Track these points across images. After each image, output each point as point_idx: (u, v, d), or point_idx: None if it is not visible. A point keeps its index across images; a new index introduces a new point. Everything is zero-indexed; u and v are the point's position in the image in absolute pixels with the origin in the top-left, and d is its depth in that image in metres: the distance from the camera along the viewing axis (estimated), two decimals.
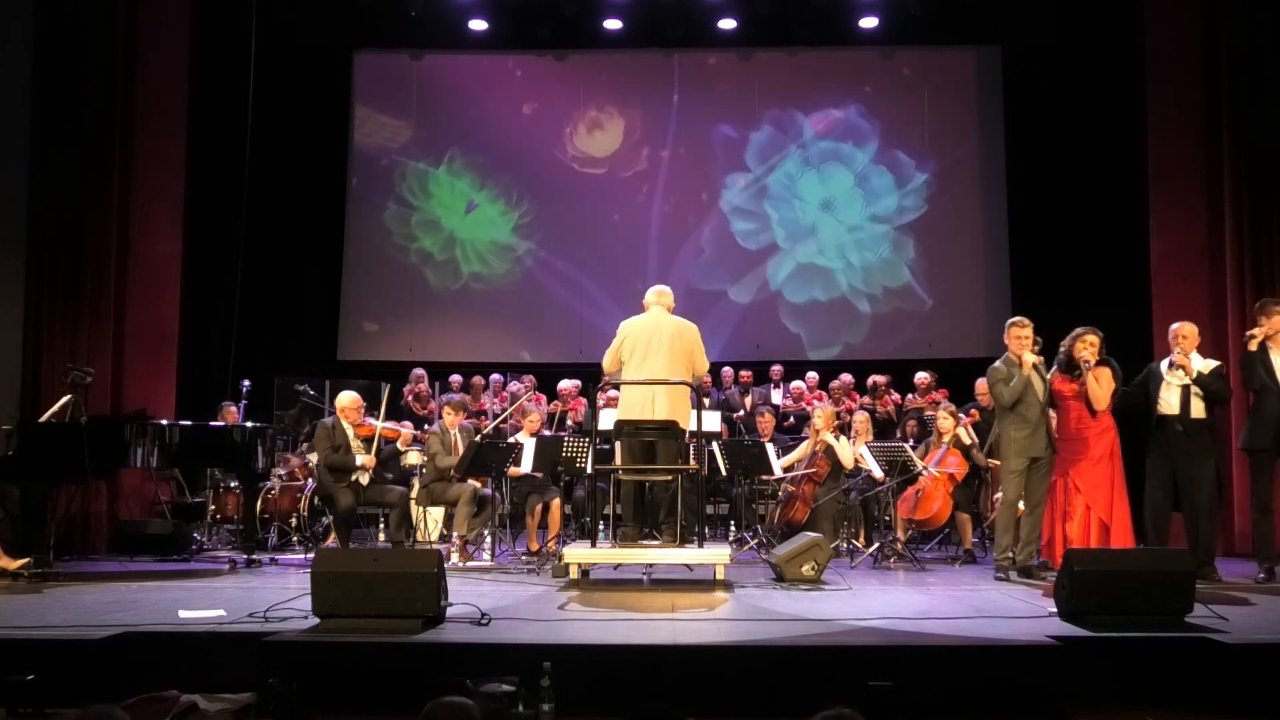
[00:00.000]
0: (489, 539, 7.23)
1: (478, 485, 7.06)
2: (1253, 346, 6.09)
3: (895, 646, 4.05)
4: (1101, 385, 5.96)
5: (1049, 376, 6.14)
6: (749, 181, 11.29)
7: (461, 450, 7.13)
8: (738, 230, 11.26)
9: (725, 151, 11.35)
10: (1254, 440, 6.11)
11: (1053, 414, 6.22)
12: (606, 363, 6.27)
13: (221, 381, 9.04)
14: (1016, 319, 6.26)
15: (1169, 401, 6.07)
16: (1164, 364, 6.17)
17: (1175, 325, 6.24)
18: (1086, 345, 6.00)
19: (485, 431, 7.57)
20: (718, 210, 11.31)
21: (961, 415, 7.38)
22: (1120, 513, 5.88)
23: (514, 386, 9.76)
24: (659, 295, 6.28)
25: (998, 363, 6.21)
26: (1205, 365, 6.09)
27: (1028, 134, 10.61)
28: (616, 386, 6.44)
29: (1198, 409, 6.02)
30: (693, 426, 6.05)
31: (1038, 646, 3.97)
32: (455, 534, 7.00)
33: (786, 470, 7.68)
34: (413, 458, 7.38)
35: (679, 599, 5.23)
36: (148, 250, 8.23)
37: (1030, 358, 6.05)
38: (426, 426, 8.37)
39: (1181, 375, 6.03)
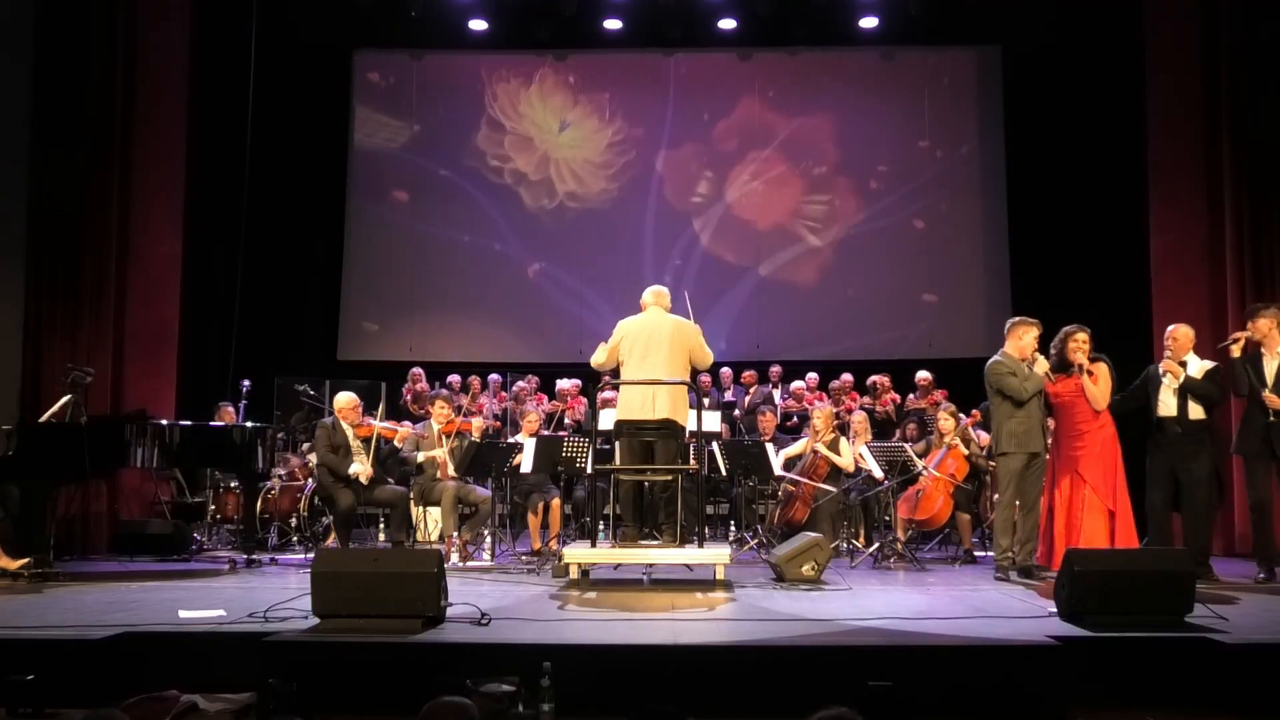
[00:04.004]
0: (489, 539, 7.23)
1: (457, 484, 7.03)
2: (1235, 352, 6.07)
3: (895, 646, 4.04)
4: (1099, 384, 5.94)
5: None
6: (748, 181, 11.28)
7: (444, 447, 7.16)
8: (736, 230, 11.25)
9: (724, 151, 11.34)
10: (1244, 445, 6.14)
11: (1050, 421, 6.20)
12: (599, 358, 6.17)
13: (221, 382, 9.02)
14: (1029, 320, 6.17)
15: (1166, 403, 6.08)
16: (1160, 366, 6.17)
17: (1170, 328, 6.25)
18: (1078, 345, 5.98)
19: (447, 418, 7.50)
20: (716, 210, 11.29)
21: (963, 416, 7.37)
22: (1123, 502, 5.86)
23: (516, 386, 9.77)
24: (656, 296, 6.23)
25: (999, 357, 6.14)
26: (1201, 367, 6.08)
27: (1028, 134, 10.61)
28: (616, 387, 6.41)
29: (1195, 410, 6.03)
30: (693, 426, 6.05)
31: (1037, 646, 3.96)
32: (445, 534, 6.98)
33: (787, 461, 7.68)
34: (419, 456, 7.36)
35: (679, 599, 5.23)
36: (148, 250, 8.22)
37: (1044, 364, 6.02)
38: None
39: (1173, 379, 6.05)
